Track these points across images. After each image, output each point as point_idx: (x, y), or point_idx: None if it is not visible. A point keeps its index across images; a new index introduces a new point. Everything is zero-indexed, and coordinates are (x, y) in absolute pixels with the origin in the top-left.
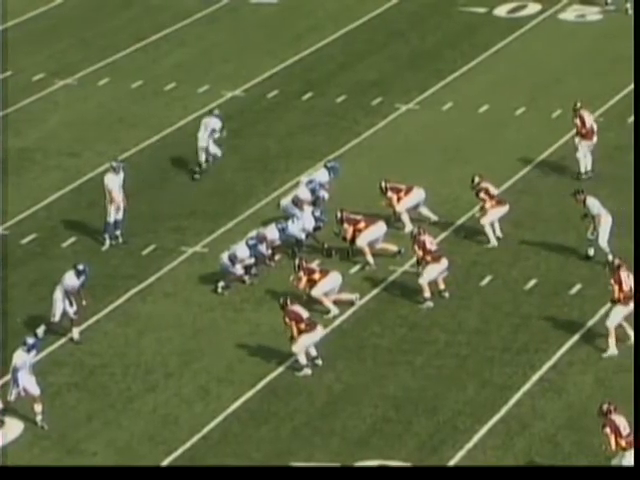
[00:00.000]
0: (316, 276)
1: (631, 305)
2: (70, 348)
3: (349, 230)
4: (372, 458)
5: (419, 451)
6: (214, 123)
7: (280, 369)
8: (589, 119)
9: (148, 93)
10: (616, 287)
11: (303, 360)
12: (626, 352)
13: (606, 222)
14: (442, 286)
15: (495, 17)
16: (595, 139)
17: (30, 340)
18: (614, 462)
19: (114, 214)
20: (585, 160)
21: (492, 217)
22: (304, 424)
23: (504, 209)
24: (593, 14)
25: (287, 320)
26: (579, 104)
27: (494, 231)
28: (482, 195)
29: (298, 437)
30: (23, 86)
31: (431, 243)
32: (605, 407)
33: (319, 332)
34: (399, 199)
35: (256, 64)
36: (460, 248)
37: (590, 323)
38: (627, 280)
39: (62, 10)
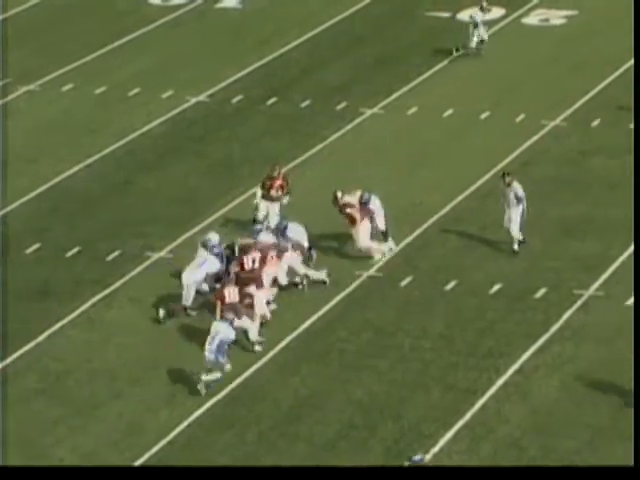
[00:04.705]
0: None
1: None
2: (36, 354)
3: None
4: (338, 463)
5: (385, 456)
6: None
7: (245, 374)
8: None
9: (112, 99)
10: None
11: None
12: (591, 356)
13: (517, 210)
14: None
15: (459, 22)
16: None
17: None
18: None
19: None
20: None
21: (366, 231)
22: (270, 429)
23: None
24: (557, 18)
25: (213, 298)
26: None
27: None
28: (348, 210)
29: (264, 442)
30: None
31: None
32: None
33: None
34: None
35: (220, 69)
36: (424, 253)
37: (555, 327)
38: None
39: (24, 16)
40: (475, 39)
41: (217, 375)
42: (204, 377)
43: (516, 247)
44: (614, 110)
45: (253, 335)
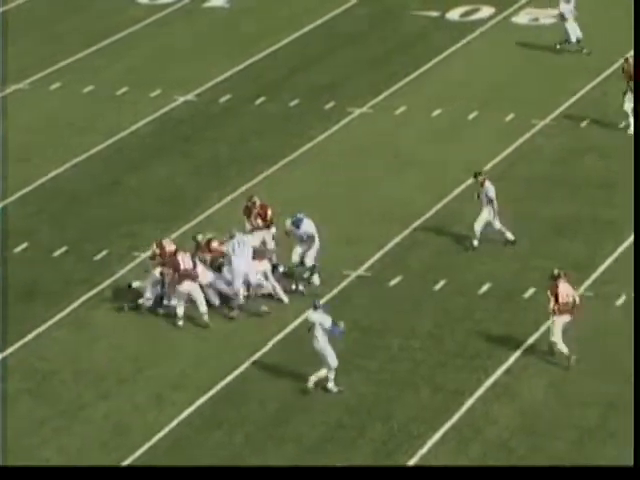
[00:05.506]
0: None
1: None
2: (22, 354)
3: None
4: (326, 464)
5: (373, 457)
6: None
7: (233, 375)
8: None
9: (99, 97)
10: None
11: (180, 311)
12: (580, 357)
13: (487, 210)
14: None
15: (448, 21)
16: None
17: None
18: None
19: None
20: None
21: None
22: (257, 430)
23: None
24: (546, 17)
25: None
26: None
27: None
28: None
29: (251, 443)
30: None
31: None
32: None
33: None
34: None
35: (208, 68)
36: (413, 252)
37: (543, 328)
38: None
39: (12, 15)
40: (573, 34)
41: (324, 372)
42: (313, 378)
43: (475, 243)
44: (603, 110)
45: (202, 307)
